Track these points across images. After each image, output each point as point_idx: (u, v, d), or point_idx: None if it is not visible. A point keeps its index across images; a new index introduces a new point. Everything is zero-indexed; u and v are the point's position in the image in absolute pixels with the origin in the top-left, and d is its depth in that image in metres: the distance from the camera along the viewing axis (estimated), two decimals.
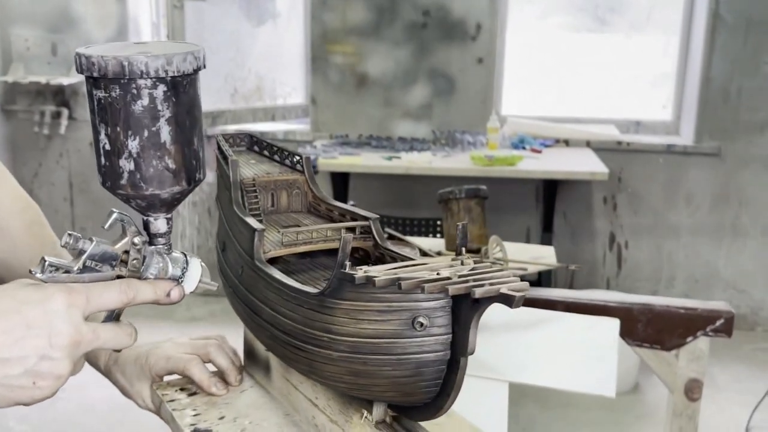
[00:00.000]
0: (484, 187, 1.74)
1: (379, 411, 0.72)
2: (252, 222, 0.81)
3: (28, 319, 0.60)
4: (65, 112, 3.70)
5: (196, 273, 0.71)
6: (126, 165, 0.65)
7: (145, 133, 0.64)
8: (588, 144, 3.47)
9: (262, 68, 3.49)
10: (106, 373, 0.95)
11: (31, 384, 0.61)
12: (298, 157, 0.96)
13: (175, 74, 0.63)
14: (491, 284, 0.59)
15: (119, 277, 0.67)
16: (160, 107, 0.63)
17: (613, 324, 1.15)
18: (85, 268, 0.65)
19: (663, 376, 1.37)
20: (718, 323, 1.33)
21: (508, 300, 0.58)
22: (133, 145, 0.64)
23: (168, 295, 0.69)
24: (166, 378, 0.93)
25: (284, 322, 0.72)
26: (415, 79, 3.50)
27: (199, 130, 0.68)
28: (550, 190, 3.30)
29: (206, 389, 0.88)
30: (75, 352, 0.62)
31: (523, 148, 3.35)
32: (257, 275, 0.77)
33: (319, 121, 3.55)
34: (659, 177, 3.52)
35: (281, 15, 3.54)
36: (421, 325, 0.63)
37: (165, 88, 0.63)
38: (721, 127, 3.42)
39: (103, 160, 0.66)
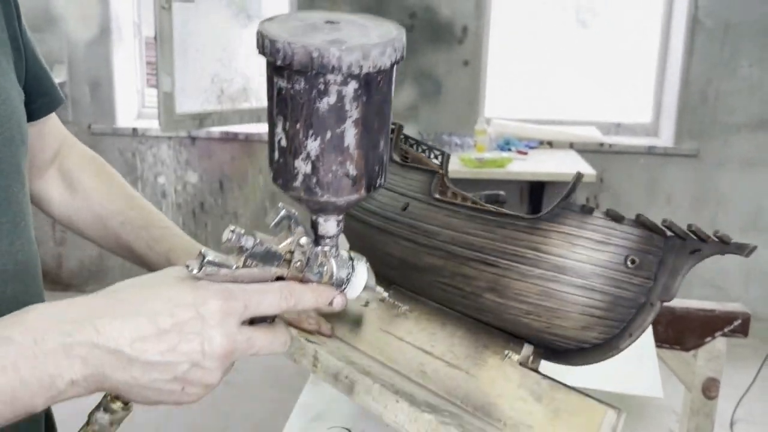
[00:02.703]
0: (502, 192, 1.77)
1: (526, 351, 0.73)
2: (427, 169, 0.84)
3: (180, 323, 0.56)
4: None
5: (361, 278, 0.65)
6: (302, 167, 0.57)
7: (328, 135, 0.56)
8: (571, 145, 3.53)
9: (249, 69, 3.48)
10: (143, 255, 0.89)
11: (180, 389, 0.57)
12: (438, 152, 0.94)
13: (370, 70, 0.54)
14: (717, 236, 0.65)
15: (279, 278, 0.61)
16: (348, 107, 0.55)
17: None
18: (244, 267, 0.59)
19: (682, 375, 1.42)
20: (735, 324, 1.38)
21: (741, 249, 0.63)
22: (312, 146, 0.56)
23: (330, 303, 0.64)
24: None
25: (473, 241, 0.73)
26: (401, 81, 3.52)
27: (386, 131, 0.60)
28: (537, 191, 3.36)
29: (309, 327, 0.84)
30: (227, 361, 0.58)
31: (509, 149, 3.40)
32: (435, 207, 0.80)
33: None
34: (640, 178, 3.60)
35: (267, 15, 3.52)
36: (633, 262, 0.68)
37: (356, 86, 0.55)
38: (699, 129, 3.51)
39: (276, 155, 0.58)
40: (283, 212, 0.61)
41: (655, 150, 3.55)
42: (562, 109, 3.83)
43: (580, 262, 0.68)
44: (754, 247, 0.65)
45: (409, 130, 3.59)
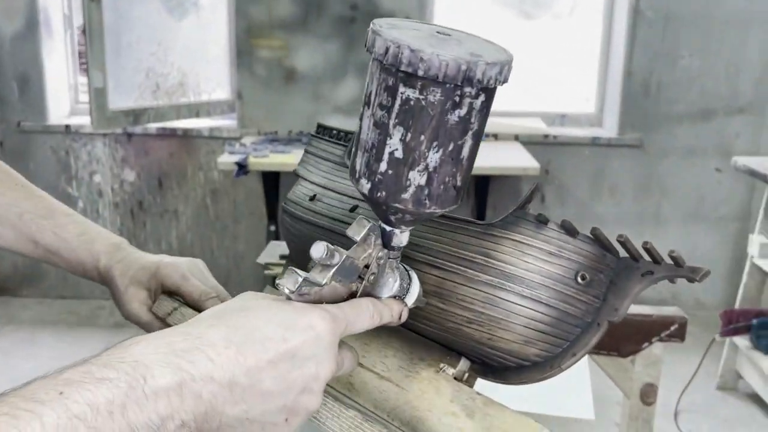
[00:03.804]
0: None
1: (462, 365, 0.71)
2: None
3: (293, 348, 0.53)
4: None
5: (416, 288, 0.65)
6: (416, 178, 0.57)
7: (450, 147, 0.56)
8: (516, 138, 3.51)
9: (186, 63, 3.36)
10: (105, 271, 0.85)
11: (282, 420, 0.54)
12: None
13: (498, 84, 0.56)
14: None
15: (352, 293, 0.60)
16: (473, 119, 0.56)
17: None
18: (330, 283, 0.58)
19: (619, 382, 1.39)
20: (672, 328, 1.36)
21: (695, 272, 0.61)
22: (434, 158, 0.56)
23: (399, 317, 0.63)
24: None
25: (421, 243, 0.72)
26: (344, 74, 3.45)
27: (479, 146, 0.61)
28: (482, 184, 3.33)
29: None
30: (326, 383, 0.56)
31: None
32: None
33: (246, 117, 3.45)
34: (585, 169, 3.60)
35: (204, 8, 3.41)
36: (584, 278, 0.66)
37: (484, 98, 0.56)
38: (642, 120, 3.53)
39: (384, 167, 0.57)
40: (369, 225, 0.60)
41: (600, 141, 3.55)
42: (508, 101, 3.81)
43: (529, 272, 0.66)
44: (708, 272, 0.63)
45: (353, 124, 3.52)
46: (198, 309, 0.80)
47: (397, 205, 0.58)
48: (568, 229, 0.66)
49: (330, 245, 0.57)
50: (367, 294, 0.62)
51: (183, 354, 0.49)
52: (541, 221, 0.67)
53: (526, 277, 0.66)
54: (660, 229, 3.63)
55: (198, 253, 3.63)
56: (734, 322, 2.82)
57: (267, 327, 0.53)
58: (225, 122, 3.62)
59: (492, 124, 3.54)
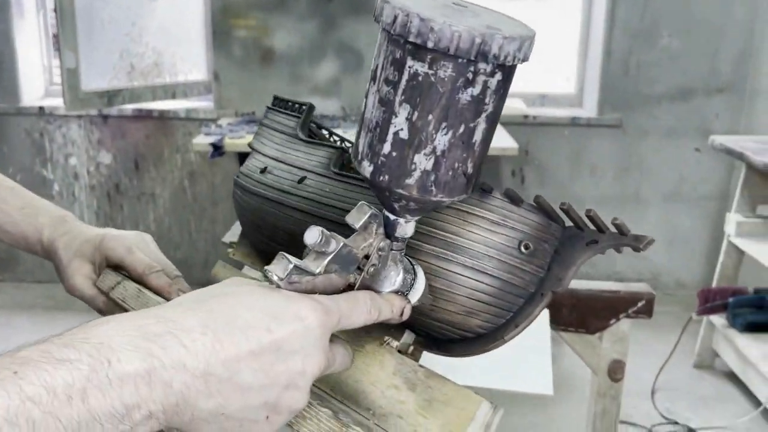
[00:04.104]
0: None
1: (408, 338, 0.69)
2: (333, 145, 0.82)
3: (278, 340, 0.49)
4: None
5: (421, 284, 0.60)
6: (422, 162, 0.52)
7: (461, 129, 0.51)
8: None
9: (161, 44, 3.32)
10: (48, 244, 0.82)
11: (263, 418, 0.49)
12: (338, 137, 0.91)
13: (516, 62, 0.51)
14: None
15: (350, 285, 0.56)
16: (487, 100, 0.51)
17: (543, 314, 1.14)
18: (325, 273, 0.53)
19: (587, 358, 1.39)
20: (639, 305, 1.35)
21: (639, 241, 0.59)
22: (442, 140, 0.52)
23: (401, 314, 0.59)
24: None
25: None
26: (322, 54, 3.41)
27: (494, 131, 0.56)
28: None
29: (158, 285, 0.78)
30: (314, 380, 0.52)
31: None
32: (333, 179, 0.76)
33: (223, 98, 3.41)
34: (564, 149, 3.59)
35: None
36: (527, 248, 0.64)
37: (500, 77, 0.51)
38: (622, 100, 3.52)
39: (388, 148, 0.53)
40: (370, 212, 0.56)
41: (579, 121, 3.54)
42: None
43: (473, 242, 0.64)
44: (651, 240, 0.62)
45: (332, 105, 3.50)
46: (142, 283, 0.78)
47: (400, 191, 0.54)
48: (513, 198, 0.65)
49: (326, 231, 0.53)
50: (366, 287, 0.57)
51: (154, 339, 0.45)
52: (485, 190, 0.65)
53: (469, 247, 0.64)
54: (640, 209, 3.64)
55: (176, 236, 3.60)
56: (711, 301, 2.83)
57: (250, 314, 0.49)
58: (202, 104, 3.58)
59: None
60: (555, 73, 3.85)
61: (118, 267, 0.81)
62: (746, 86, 3.47)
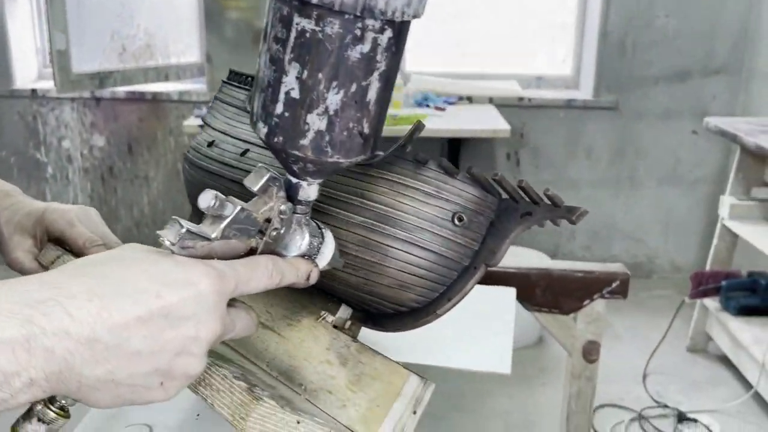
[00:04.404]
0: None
1: (343, 313, 0.68)
2: None
3: (168, 306, 0.48)
4: None
5: (330, 248, 0.60)
6: (315, 122, 0.51)
7: (353, 88, 0.51)
8: (491, 100, 3.47)
9: (153, 25, 3.29)
10: None
11: (157, 384, 0.49)
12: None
13: (406, 19, 0.50)
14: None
15: (252, 250, 0.55)
16: (378, 57, 0.50)
17: (510, 294, 1.13)
18: (222, 237, 0.52)
19: (561, 339, 1.37)
20: (614, 285, 1.33)
21: (571, 212, 0.58)
22: (334, 100, 0.51)
23: (307, 278, 0.58)
24: None
25: None
26: None
27: (391, 91, 0.55)
28: (455, 148, 3.29)
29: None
30: (211, 346, 0.51)
31: (427, 106, 3.31)
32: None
33: (216, 80, 3.39)
34: (560, 132, 3.56)
35: None
36: (461, 220, 0.64)
37: (391, 34, 0.50)
38: (617, 81, 3.48)
39: (281, 108, 0.52)
40: (269, 175, 0.54)
41: (575, 103, 3.51)
42: (484, 64, 3.76)
43: (405, 213, 0.63)
44: (584, 212, 0.61)
45: None
46: (83, 256, 0.77)
47: (295, 152, 0.53)
48: (447, 170, 0.63)
49: (221, 194, 0.52)
50: (270, 251, 0.56)
51: (36, 305, 0.44)
52: (420, 161, 0.64)
53: (401, 219, 0.63)
54: (635, 193, 3.61)
55: (170, 218, 3.59)
56: (704, 284, 2.80)
57: (139, 280, 0.48)
58: (195, 86, 3.56)
59: (466, 87, 3.49)
60: (551, 54, 3.81)
61: (60, 241, 0.80)
62: (744, 67, 3.42)
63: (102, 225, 0.82)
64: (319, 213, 0.67)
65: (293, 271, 0.57)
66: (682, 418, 2.48)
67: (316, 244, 0.59)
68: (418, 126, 0.65)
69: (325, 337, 0.66)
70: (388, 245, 0.63)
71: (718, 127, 2.72)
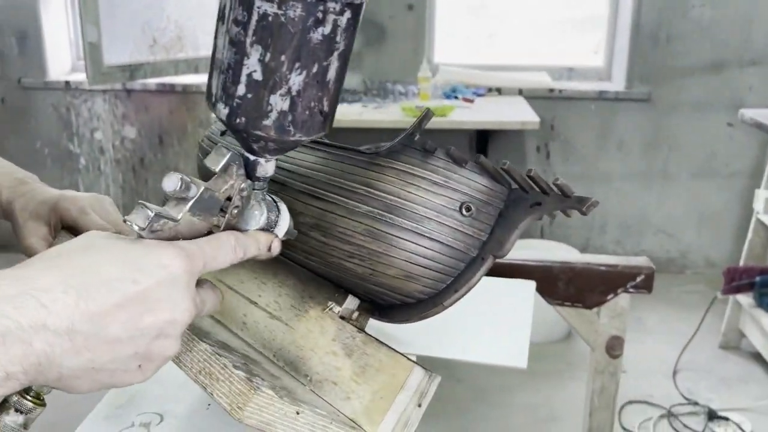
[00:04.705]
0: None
1: (350, 304, 0.68)
2: None
3: (144, 291, 0.48)
4: None
5: (286, 220, 0.61)
6: (278, 103, 0.52)
7: (314, 68, 0.52)
8: (520, 92, 3.43)
9: (183, 17, 3.32)
10: (6, 205, 0.82)
11: (135, 367, 0.49)
12: None
13: (363, 0, 0.52)
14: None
15: (214, 227, 0.56)
16: (338, 38, 0.52)
17: (529, 287, 1.11)
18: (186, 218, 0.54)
19: (584, 334, 1.35)
20: (638, 279, 1.31)
21: (582, 203, 0.58)
22: (296, 80, 0.52)
23: (269, 249, 0.59)
24: None
25: (307, 173, 0.69)
26: None
27: (347, 69, 0.57)
28: (483, 140, 3.26)
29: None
30: (185, 327, 0.51)
31: (456, 97, 3.29)
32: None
33: None
34: (591, 124, 3.51)
35: None
36: (468, 210, 0.63)
37: (350, 15, 0.52)
38: (651, 73, 3.42)
39: (243, 90, 0.52)
40: (230, 155, 0.56)
41: (606, 95, 3.45)
42: (513, 55, 3.71)
43: (412, 203, 0.62)
44: (595, 202, 0.59)
45: (354, 79, 3.47)
46: None
47: (258, 132, 0.53)
48: (456, 158, 0.62)
49: (186, 177, 0.53)
50: (231, 228, 0.58)
51: (10, 300, 0.44)
52: (428, 150, 0.63)
53: (408, 209, 0.62)
54: (667, 186, 3.54)
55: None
56: (737, 280, 2.74)
57: (112, 267, 0.48)
58: None
59: (495, 79, 3.46)
60: (584, 45, 3.75)
61: (73, 229, 0.80)
62: None
63: (115, 213, 0.83)
64: (325, 202, 0.66)
65: (255, 244, 0.58)
66: (712, 416, 2.43)
67: (273, 217, 0.60)
68: (426, 114, 0.64)
69: (332, 327, 0.65)
70: (394, 235, 0.62)
71: (754, 119, 2.65)
